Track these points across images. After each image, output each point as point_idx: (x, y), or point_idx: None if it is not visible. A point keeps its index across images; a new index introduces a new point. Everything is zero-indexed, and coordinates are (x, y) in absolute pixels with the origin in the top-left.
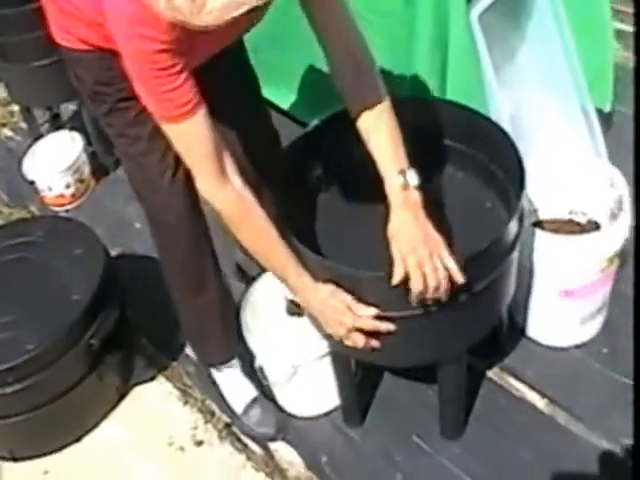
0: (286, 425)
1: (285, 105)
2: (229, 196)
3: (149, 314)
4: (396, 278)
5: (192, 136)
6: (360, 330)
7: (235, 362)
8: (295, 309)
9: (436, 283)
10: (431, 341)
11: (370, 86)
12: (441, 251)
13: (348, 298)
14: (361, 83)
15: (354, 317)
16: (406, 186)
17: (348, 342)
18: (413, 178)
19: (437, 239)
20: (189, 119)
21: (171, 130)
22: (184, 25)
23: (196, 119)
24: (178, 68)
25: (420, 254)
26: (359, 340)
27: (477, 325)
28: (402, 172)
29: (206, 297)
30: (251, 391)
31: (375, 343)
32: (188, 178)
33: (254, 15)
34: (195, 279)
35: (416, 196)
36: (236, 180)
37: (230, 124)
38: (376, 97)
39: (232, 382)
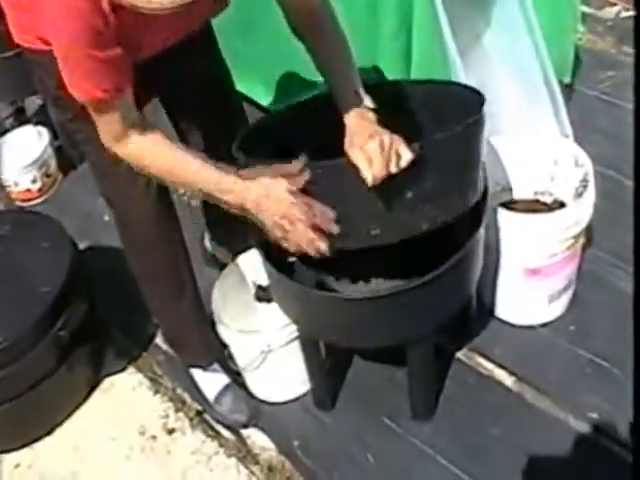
0: (258, 411)
1: (264, 101)
2: (124, 150)
3: (119, 305)
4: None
5: (104, 114)
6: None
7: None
8: (263, 295)
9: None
10: (399, 322)
11: (327, 23)
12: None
13: (284, 183)
14: (318, 24)
15: (294, 206)
16: (361, 105)
17: (295, 241)
18: (368, 100)
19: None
20: (106, 103)
21: (87, 104)
22: (135, 9)
23: (113, 103)
24: (112, 53)
25: (380, 139)
26: (303, 235)
27: (445, 305)
28: (357, 93)
29: (185, 302)
30: (223, 379)
31: (322, 245)
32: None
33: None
34: (175, 285)
35: (372, 115)
36: (133, 135)
37: (197, 115)
38: (334, 33)
39: (204, 371)
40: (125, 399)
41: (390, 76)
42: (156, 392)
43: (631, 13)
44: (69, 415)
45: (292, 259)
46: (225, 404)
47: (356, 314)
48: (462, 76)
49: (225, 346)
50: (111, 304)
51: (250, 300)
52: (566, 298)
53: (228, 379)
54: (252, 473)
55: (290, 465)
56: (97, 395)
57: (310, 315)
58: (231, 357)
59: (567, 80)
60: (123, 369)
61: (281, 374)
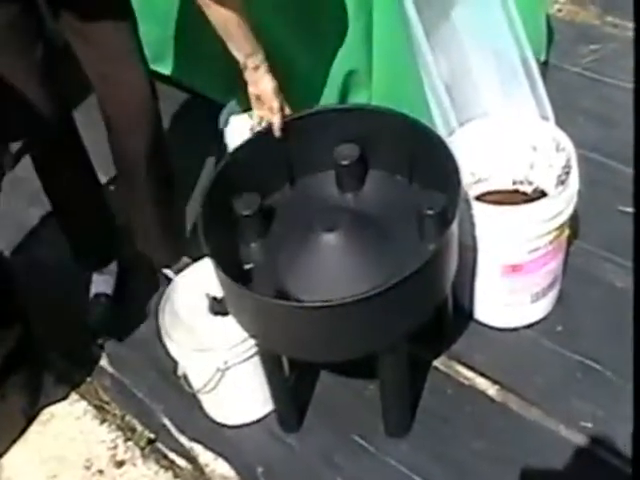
0: None
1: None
2: None
3: (57, 326)
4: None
5: None
6: None
7: None
8: (218, 307)
9: None
10: (366, 331)
11: None
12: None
13: None
14: None
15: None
16: (256, 66)
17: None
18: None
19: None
20: None
21: None
22: None
23: None
24: None
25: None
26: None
27: (416, 310)
28: (249, 55)
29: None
30: None
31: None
32: None
33: None
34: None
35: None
36: None
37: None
38: None
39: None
40: (67, 431)
41: (352, 60)
42: (103, 421)
43: None
44: (4, 452)
45: (248, 266)
46: None
47: (318, 324)
48: (429, 58)
49: (176, 365)
50: (49, 325)
51: (203, 313)
52: (551, 296)
53: None
54: None
55: None
56: (35, 428)
57: (269, 327)
58: (185, 378)
59: (542, 57)
60: (65, 397)
61: (240, 394)
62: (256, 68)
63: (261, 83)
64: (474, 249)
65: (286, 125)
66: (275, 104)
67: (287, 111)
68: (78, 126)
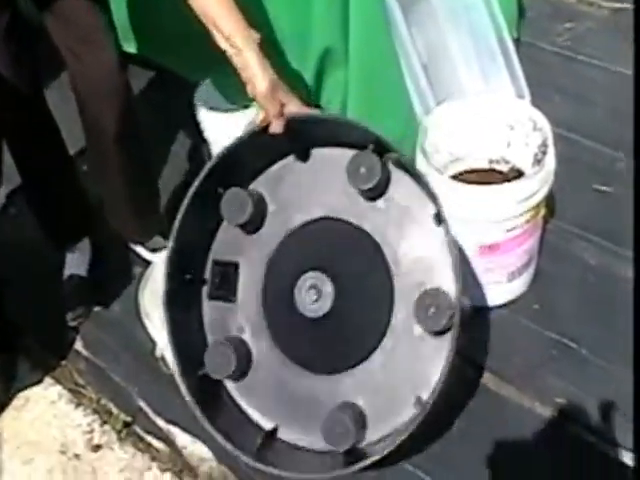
0: None
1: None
2: None
3: (32, 311)
4: None
5: None
6: None
7: None
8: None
9: None
10: None
11: None
12: None
13: None
14: None
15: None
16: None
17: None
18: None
19: None
20: None
21: None
22: None
23: None
24: None
25: None
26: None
27: None
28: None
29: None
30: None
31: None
32: None
33: None
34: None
35: None
36: None
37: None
38: None
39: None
40: (42, 415)
41: (328, 39)
42: (78, 405)
43: None
44: None
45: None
46: None
47: None
48: (406, 37)
49: (154, 346)
50: (23, 310)
51: None
52: (527, 275)
53: None
54: None
55: (232, 475)
56: (9, 413)
57: None
58: (163, 359)
59: (514, 35)
60: (39, 381)
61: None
62: (246, 65)
63: (255, 79)
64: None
65: (289, 125)
66: (272, 108)
67: (294, 108)
68: (50, 103)
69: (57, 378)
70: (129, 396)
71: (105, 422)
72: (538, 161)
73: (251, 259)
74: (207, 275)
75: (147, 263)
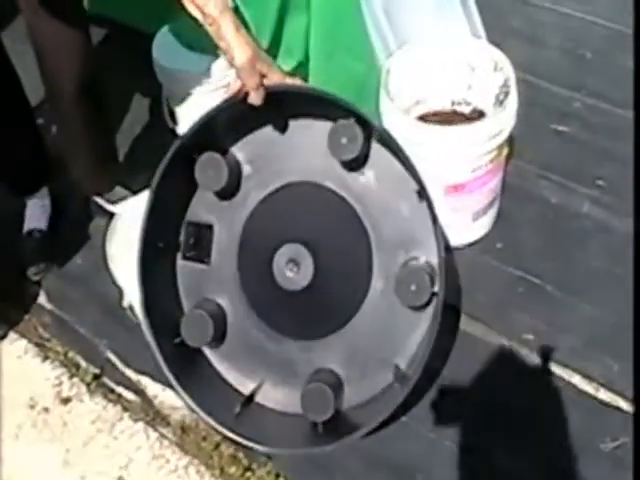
0: None
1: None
2: None
3: None
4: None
5: None
6: None
7: None
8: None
9: None
10: None
11: None
12: None
13: None
14: None
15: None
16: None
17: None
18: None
19: None
20: None
21: None
22: None
23: None
24: None
25: None
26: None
27: None
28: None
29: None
30: None
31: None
32: None
33: None
34: None
35: None
36: None
37: None
38: None
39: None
40: (9, 370)
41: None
42: (45, 358)
43: None
44: None
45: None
46: None
47: None
48: None
49: (122, 294)
50: None
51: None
52: (491, 214)
53: None
54: (163, 436)
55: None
56: None
57: None
58: (131, 309)
59: None
60: (3, 336)
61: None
62: (222, 36)
63: (233, 51)
64: None
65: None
66: (251, 81)
67: (275, 78)
68: (11, 52)
69: (22, 332)
70: (96, 348)
71: (73, 375)
72: (500, 102)
73: (227, 223)
74: (181, 238)
75: (108, 215)
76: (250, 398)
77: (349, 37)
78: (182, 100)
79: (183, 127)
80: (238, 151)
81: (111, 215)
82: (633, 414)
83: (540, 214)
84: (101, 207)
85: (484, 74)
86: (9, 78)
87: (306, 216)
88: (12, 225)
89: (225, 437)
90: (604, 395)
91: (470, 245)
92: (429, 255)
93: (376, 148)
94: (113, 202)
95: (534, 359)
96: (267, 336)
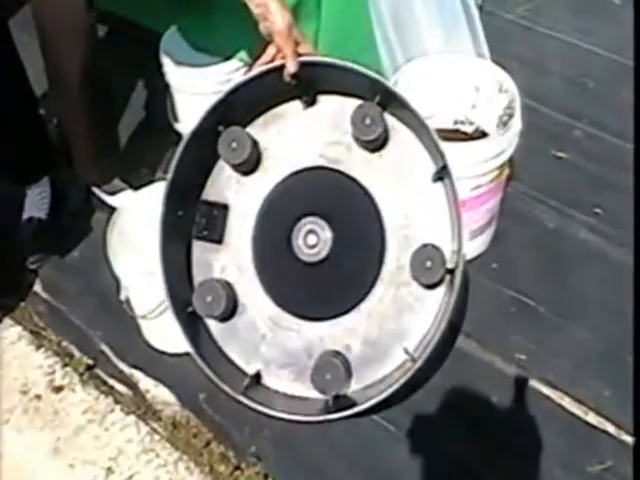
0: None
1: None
2: None
3: None
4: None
5: None
6: None
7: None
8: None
9: None
10: None
11: None
12: None
13: None
14: None
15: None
16: None
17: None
18: None
19: None
20: None
21: None
22: None
23: None
24: None
25: None
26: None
27: None
28: None
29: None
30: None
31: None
32: None
33: None
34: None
35: None
36: None
37: None
38: None
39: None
40: (2, 355)
41: None
42: (39, 346)
43: None
44: None
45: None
46: None
47: None
48: None
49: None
50: None
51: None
52: (488, 234)
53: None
54: (154, 431)
55: (197, 420)
56: None
57: None
58: (127, 302)
59: (478, 2)
60: None
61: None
62: (263, 0)
63: (272, 16)
64: None
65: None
66: (288, 47)
67: (305, 48)
68: (16, 40)
69: (17, 319)
70: (90, 340)
71: (66, 364)
72: (503, 123)
73: (243, 201)
74: (198, 214)
75: (108, 207)
76: (256, 380)
77: (357, 48)
78: (186, 99)
79: (186, 126)
80: (259, 127)
81: (111, 208)
82: (620, 440)
83: (537, 237)
84: (100, 199)
85: (489, 95)
86: (15, 67)
87: (322, 195)
88: (12, 213)
89: (217, 434)
90: (593, 419)
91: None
92: (442, 235)
93: (395, 130)
94: (111, 194)
95: (525, 379)
96: (276, 317)
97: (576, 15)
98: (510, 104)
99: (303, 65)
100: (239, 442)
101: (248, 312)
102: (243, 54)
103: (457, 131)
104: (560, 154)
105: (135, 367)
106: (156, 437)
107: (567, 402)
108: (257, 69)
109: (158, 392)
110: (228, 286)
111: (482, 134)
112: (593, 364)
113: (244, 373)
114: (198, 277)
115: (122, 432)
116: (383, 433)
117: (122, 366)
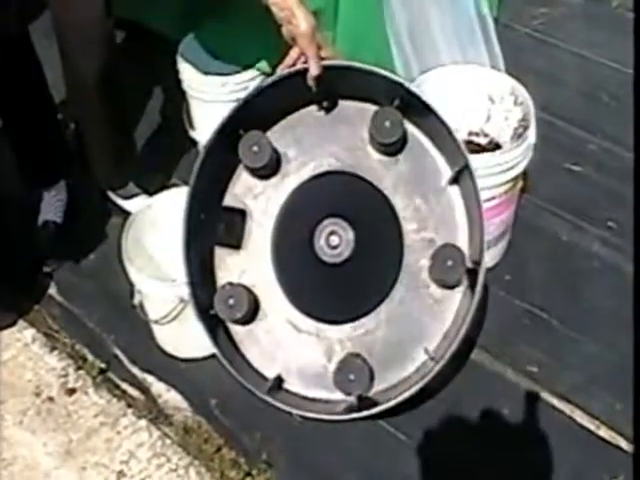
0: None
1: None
2: None
3: (3, 253)
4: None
5: None
6: None
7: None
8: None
9: None
10: None
11: None
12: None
13: None
14: None
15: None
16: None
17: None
18: None
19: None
20: None
21: None
22: None
23: None
24: None
25: None
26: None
27: None
28: None
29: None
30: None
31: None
32: None
33: None
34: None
35: None
36: None
37: None
38: None
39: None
40: (16, 357)
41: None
42: (53, 349)
43: None
44: None
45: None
46: None
47: None
48: (394, 3)
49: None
50: None
51: (169, 244)
52: (501, 246)
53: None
54: (166, 435)
55: (208, 425)
56: None
57: None
58: (141, 306)
59: (494, 14)
60: (13, 324)
61: (197, 327)
62: (286, 4)
63: (297, 19)
64: None
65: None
66: (311, 50)
67: (327, 52)
68: (37, 47)
69: (31, 321)
70: (104, 343)
71: (80, 367)
72: (518, 135)
73: (262, 206)
74: (218, 219)
75: (123, 212)
76: (278, 384)
77: (372, 57)
78: (203, 106)
79: (201, 133)
80: (279, 132)
81: (127, 213)
82: (633, 454)
83: (550, 250)
84: (116, 204)
85: (504, 107)
86: (36, 72)
87: (341, 199)
88: (28, 216)
89: (228, 440)
90: (605, 433)
91: None
92: (461, 237)
93: (412, 134)
94: (127, 198)
95: (536, 392)
96: (296, 321)
97: (591, 29)
98: (525, 116)
99: (325, 69)
100: (250, 448)
101: (268, 316)
102: (261, 63)
103: (471, 142)
104: (574, 167)
105: (147, 371)
106: (167, 442)
107: (579, 415)
108: (280, 72)
109: (170, 397)
110: (249, 290)
111: (496, 146)
112: (605, 377)
113: (264, 377)
114: (219, 281)
115: (134, 436)
116: (394, 441)
117: (135, 370)
